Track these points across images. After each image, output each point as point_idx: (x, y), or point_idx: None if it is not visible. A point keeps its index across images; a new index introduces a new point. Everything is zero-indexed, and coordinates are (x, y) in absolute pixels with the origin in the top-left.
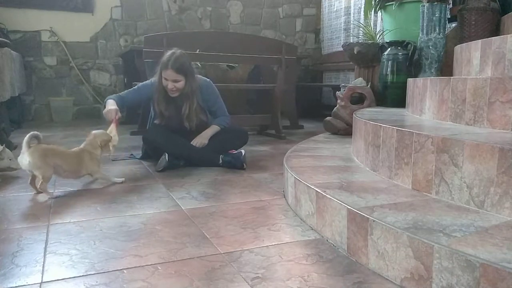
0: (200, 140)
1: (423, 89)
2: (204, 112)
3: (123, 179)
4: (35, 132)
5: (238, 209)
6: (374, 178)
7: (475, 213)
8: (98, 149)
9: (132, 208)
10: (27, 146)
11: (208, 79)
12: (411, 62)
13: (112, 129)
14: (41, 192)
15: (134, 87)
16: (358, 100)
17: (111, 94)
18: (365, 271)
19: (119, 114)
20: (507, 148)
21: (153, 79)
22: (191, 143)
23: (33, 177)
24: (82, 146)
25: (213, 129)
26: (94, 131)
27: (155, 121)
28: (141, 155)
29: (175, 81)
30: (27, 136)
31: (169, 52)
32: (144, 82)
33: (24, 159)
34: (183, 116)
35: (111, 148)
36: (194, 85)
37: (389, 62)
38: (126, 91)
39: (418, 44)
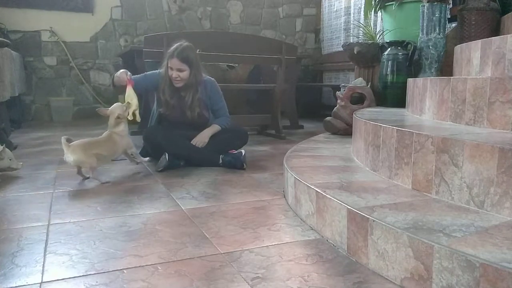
0: (201, 139)
1: (423, 89)
2: (206, 108)
3: (148, 158)
4: (66, 136)
5: (238, 209)
6: (374, 178)
7: (475, 213)
8: (121, 124)
9: (132, 208)
10: (67, 147)
11: (213, 79)
12: (411, 62)
13: (129, 93)
14: (88, 178)
15: (142, 74)
16: (358, 100)
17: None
18: (365, 271)
19: (130, 74)
20: (507, 148)
21: (161, 69)
22: (191, 142)
23: (79, 168)
24: (107, 130)
25: (213, 128)
26: (109, 109)
27: (159, 110)
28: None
29: (180, 70)
30: (63, 139)
31: (177, 43)
32: (152, 71)
33: (68, 157)
34: (185, 105)
35: (131, 115)
36: (198, 77)
37: (389, 62)
38: (133, 76)
39: (418, 44)
